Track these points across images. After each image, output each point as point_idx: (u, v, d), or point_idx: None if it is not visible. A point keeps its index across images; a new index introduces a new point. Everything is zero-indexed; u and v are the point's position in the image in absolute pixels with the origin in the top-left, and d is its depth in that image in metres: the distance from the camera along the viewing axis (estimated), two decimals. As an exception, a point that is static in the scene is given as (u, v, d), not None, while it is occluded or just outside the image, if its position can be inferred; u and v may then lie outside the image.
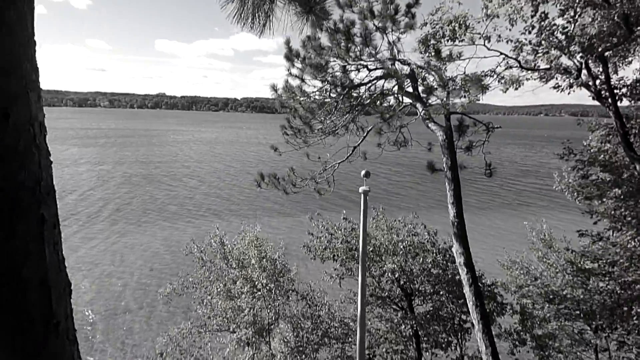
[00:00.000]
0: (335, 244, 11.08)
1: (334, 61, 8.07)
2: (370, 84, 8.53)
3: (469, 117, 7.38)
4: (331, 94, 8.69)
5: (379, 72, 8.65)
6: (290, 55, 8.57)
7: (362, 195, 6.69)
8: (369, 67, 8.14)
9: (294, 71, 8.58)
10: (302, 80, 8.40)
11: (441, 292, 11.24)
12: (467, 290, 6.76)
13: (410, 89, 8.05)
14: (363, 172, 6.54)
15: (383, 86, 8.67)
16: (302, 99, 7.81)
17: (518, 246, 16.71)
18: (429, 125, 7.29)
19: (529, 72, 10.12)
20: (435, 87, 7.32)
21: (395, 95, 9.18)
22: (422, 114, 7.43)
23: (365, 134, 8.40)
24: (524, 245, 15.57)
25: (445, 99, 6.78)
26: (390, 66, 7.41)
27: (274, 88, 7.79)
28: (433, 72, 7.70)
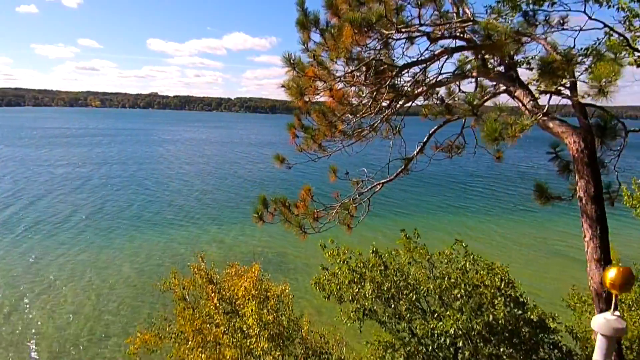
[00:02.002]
0: (364, 291, 8.07)
1: (379, 29, 5.09)
2: (428, 63, 5.60)
3: (607, 113, 4.50)
4: (367, 79, 5.76)
5: (425, 49, 5.77)
6: (306, 21, 5.65)
7: (604, 340, 2.52)
8: (432, 34, 5.23)
9: (312, 46, 5.66)
10: (316, 59, 5.42)
11: (503, 351, 8.34)
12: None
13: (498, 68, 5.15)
14: (613, 274, 2.60)
15: (445, 66, 5.76)
16: (333, 84, 4.84)
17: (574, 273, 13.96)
18: (549, 124, 4.36)
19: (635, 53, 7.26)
20: (554, 62, 4.41)
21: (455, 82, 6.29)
22: (530, 105, 4.51)
23: (426, 138, 5.48)
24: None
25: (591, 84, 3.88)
26: (482, 28, 4.46)
27: (289, 61, 4.80)
28: (542, 41, 4.79)
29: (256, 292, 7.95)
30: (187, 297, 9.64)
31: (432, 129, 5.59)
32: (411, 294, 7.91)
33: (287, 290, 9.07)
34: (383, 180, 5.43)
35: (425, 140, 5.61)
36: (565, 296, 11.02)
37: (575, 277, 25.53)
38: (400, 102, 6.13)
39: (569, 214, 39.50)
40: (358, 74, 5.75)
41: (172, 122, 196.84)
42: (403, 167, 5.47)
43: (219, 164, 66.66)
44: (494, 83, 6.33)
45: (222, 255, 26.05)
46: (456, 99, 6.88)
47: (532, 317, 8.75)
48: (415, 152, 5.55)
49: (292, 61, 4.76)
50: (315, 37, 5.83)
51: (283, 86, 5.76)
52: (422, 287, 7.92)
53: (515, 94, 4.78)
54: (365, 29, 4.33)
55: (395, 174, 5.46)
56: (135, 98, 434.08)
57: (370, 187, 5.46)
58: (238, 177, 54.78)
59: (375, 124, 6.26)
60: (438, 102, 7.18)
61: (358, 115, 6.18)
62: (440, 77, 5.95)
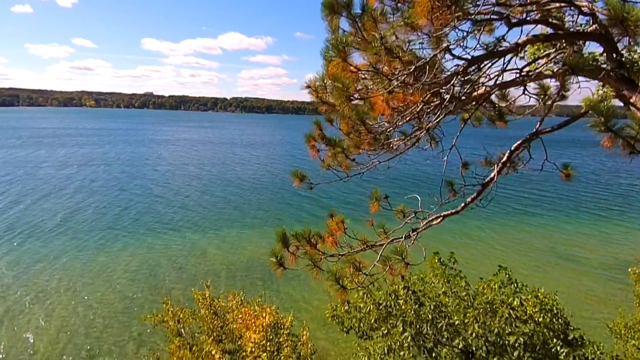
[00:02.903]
0: (398, 338, 6.72)
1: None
2: (493, 59, 4.26)
3: None
4: (421, 78, 4.42)
5: (501, 37, 4.45)
6: (336, 4, 4.29)
7: None
8: (512, 18, 3.92)
9: (342, 35, 4.31)
10: (385, 45, 4.04)
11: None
12: None
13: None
14: None
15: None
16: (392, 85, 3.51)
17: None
18: None
19: None
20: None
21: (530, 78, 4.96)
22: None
23: (507, 156, 4.14)
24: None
25: None
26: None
27: (337, 48, 3.44)
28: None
29: (268, 344, 6.57)
30: (182, 331, 8.26)
31: (514, 144, 4.23)
32: (457, 341, 6.59)
33: (304, 338, 7.70)
34: (445, 213, 4.07)
35: (505, 158, 4.26)
36: (590, 312, 9.75)
37: (586, 284, 24.35)
38: (452, 106, 4.82)
39: (570, 219, 38.20)
40: (407, 72, 4.42)
41: (167, 122, 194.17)
42: (476, 194, 4.11)
43: (208, 165, 64.48)
44: (558, 84, 5.08)
45: (208, 265, 24.56)
46: (511, 103, 5.63)
47: (587, 354, 7.49)
48: (495, 174, 4.18)
49: (341, 47, 3.36)
50: (345, 25, 4.52)
51: (308, 87, 4.44)
52: (470, 332, 6.58)
53: (632, 100, 3.46)
54: (448, 4, 2.96)
55: (464, 204, 4.11)
56: (130, 98, 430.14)
57: (428, 220, 4.08)
58: (226, 179, 52.74)
59: (421, 134, 4.96)
60: (487, 105, 5.93)
61: (401, 123, 4.89)
62: (503, 75, 4.66)
